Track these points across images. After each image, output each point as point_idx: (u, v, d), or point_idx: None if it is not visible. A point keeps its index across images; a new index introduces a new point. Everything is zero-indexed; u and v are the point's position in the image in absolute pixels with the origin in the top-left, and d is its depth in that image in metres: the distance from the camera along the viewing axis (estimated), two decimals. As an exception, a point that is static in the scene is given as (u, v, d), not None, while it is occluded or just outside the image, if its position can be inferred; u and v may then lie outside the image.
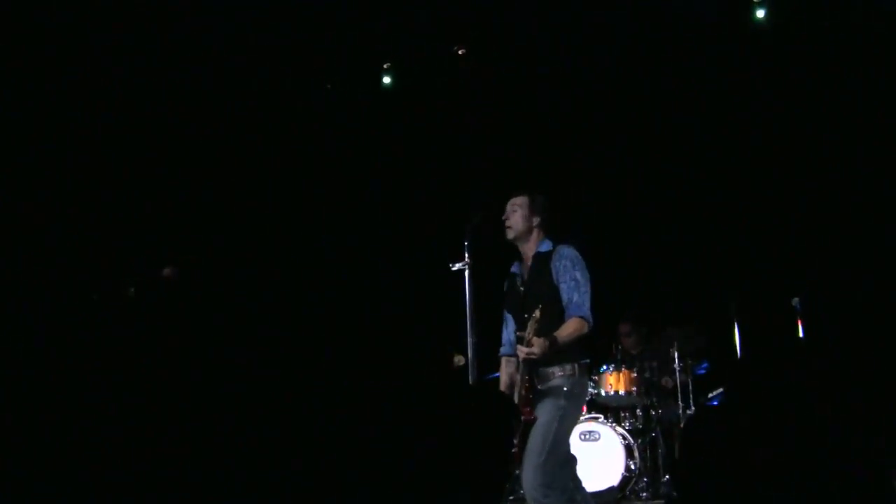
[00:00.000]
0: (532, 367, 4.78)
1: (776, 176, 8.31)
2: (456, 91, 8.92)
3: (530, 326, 4.68)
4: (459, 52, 8.94)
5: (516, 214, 5.09)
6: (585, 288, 4.87)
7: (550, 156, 8.93)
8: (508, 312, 5.12)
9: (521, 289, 5.04)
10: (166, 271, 6.22)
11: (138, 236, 8.08)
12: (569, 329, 4.76)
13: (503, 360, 5.19)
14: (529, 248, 5.12)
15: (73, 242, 7.79)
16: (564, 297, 4.87)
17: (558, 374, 4.78)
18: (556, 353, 4.75)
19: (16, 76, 7.74)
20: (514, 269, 5.16)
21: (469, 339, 4.78)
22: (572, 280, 4.88)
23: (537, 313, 4.65)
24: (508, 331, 5.20)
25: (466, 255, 4.97)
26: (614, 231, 8.87)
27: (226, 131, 8.74)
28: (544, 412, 4.76)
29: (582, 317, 4.78)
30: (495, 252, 5.59)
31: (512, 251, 5.15)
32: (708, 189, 8.56)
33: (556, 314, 4.85)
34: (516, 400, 4.83)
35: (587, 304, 4.82)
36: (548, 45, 8.61)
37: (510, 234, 5.07)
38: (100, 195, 8.09)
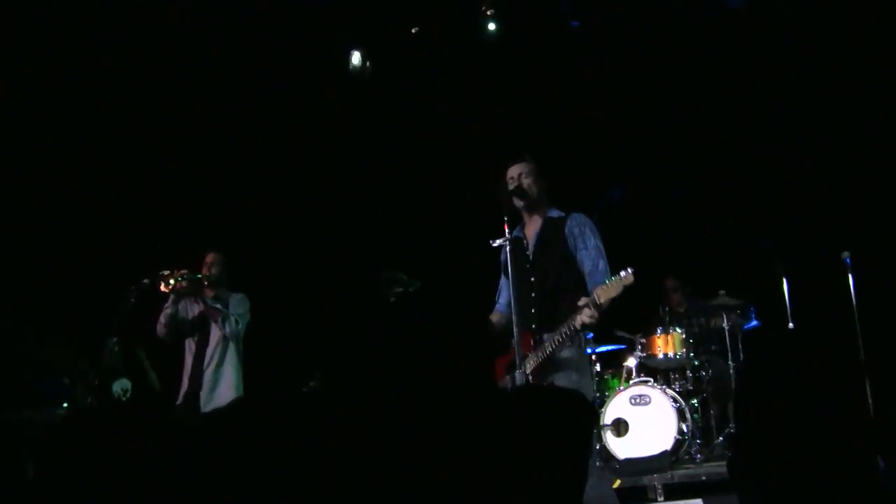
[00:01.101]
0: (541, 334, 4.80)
1: (829, 130, 8.10)
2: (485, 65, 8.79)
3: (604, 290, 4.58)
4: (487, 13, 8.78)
5: (528, 180, 5.05)
6: (604, 254, 4.85)
7: (595, 119, 8.79)
8: (508, 276, 4.96)
9: (529, 253, 4.99)
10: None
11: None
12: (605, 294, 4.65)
13: (493, 314, 5.23)
14: (539, 214, 5.09)
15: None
16: (588, 264, 4.84)
17: (572, 345, 4.76)
18: (560, 320, 4.73)
19: (15, 76, 7.72)
20: (517, 233, 5.05)
21: (514, 318, 4.67)
22: (594, 248, 4.87)
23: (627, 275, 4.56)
24: (500, 292, 5.24)
25: (507, 229, 4.85)
26: (659, 190, 8.75)
27: (248, 109, 8.67)
28: (564, 380, 4.73)
29: (609, 282, 4.66)
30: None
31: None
32: (759, 141, 8.38)
33: (569, 279, 4.86)
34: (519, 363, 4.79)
35: (608, 272, 4.75)
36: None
37: (523, 200, 5.02)
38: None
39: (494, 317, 5.23)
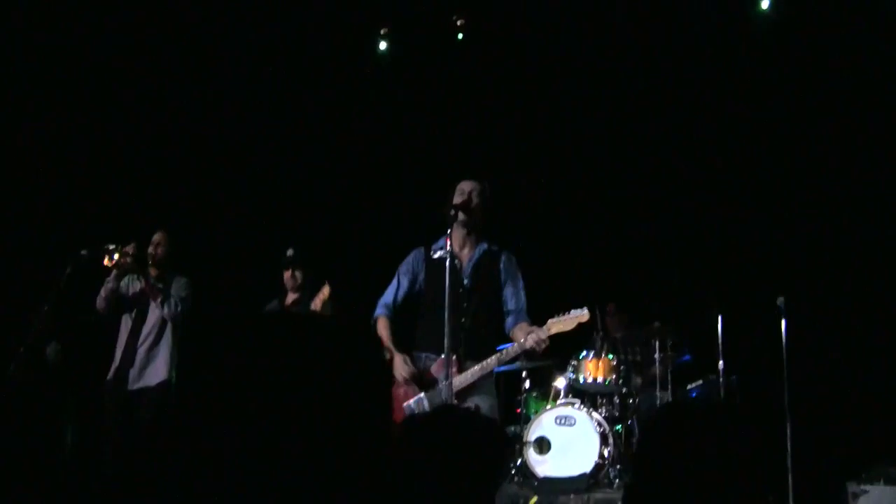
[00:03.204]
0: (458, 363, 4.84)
1: (769, 176, 8.27)
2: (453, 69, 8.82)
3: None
4: (458, 23, 8.82)
5: (478, 200, 5.06)
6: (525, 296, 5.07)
7: (543, 141, 8.86)
8: (409, 285, 5.15)
9: (464, 278, 5.02)
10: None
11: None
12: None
13: (384, 320, 5.17)
14: (475, 237, 5.14)
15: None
16: (513, 303, 5.04)
17: (489, 373, 4.87)
18: (483, 351, 4.87)
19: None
20: (441, 246, 4.97)
21: (446, 330, 4.69)
22: (522, 289, 5.07)
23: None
24: (397, 294, 5.20)
25: (449, 242, 4.86)
26: (601, 223, 8.87)
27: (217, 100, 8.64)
28: (486, 403, 4.84)
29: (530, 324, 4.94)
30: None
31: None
32: (703, 186, 8.52)
33: (496, 313, 5.03)
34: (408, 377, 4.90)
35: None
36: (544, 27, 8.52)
37: (466, 216, 4.99)
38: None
39: (387, 328, 5.16)
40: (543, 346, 4.81)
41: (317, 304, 6.14)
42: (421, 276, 5.18)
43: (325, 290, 6.12)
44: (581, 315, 4.82)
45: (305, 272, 6.77)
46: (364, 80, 8.89)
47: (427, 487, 2.14)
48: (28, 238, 7.73)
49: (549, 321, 4.81)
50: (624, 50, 8.48)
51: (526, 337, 4.78)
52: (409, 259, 5.23)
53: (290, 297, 6.79)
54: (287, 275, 6.78)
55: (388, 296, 5.22)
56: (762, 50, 8.19)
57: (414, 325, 5.14)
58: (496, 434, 2.33)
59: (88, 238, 6.46)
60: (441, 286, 4.75)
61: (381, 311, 5.20)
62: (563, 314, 4.82)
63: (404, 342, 5.07)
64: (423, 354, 5.01)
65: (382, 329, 5.13)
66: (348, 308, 6.18)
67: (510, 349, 4.87)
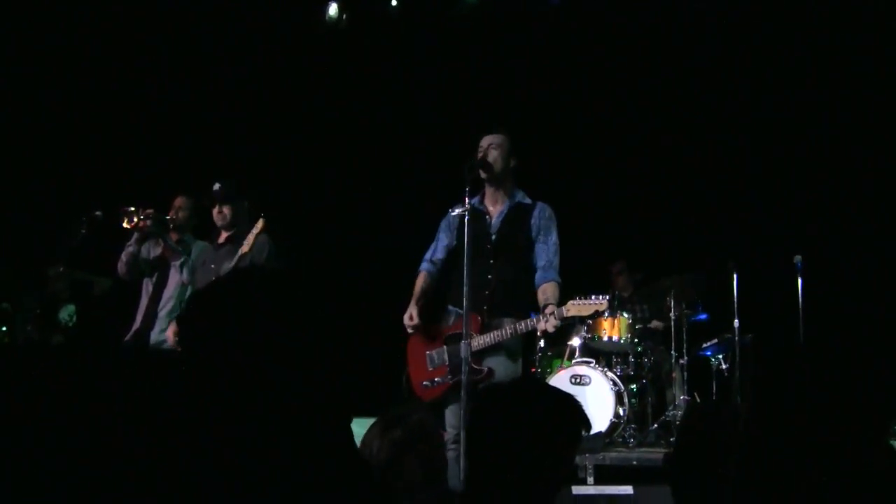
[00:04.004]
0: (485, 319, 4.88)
1: (787, 133, 8.19)
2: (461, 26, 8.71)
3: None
4: None
5: (496, 152, 5.01)
6: (559, 252, 4.98)
7: (555, 97, 8.77)
8: (457, 243, 5.08)
9: (492, 234, 5.02)
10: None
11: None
12: (556, 294, 4.86)
13: (423, 274, 5.23)
14: (504, 192, 5.10)
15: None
16: (543, 258, 4.96)
17: (509, 330, 4.82)
18: (513, 307, 4.87)
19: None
20: (475, 203, 5.01)
21: (465, 288, 4.66)
22: (554, 244, 4.98)
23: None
24: (437, 249, 5.24)
25: (467, 200, 4.82)
26: (617, 178, 8.79)
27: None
28: (505, 364, 4.85)
29: (559, 282, 4.91)
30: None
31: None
32: (720, 143, 8.44)
33: (526, 268, 4.98)
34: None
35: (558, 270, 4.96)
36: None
37: (489, 172, 4.97)
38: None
39: (422, 282, 5.21)
40: (555, 329, 4.88)
41: (249, 239, 5.68)
42: (455, 232, 5.17)
43: (259, 224, 5.65)
44: (599, 304, 4.84)
45: (236, 208, 6.05)
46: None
47: (507, 455, 2.17)
48: (45, 199, 7.70)
49: (570, 304, 4.82)
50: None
51: (546, 318, 4.77)
52: (448, 215, 5.22)
53: (222, 236, 6.15)
54: (215, 211, 6.09)
55: (429, 251, 5.28)
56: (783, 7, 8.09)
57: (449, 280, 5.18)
58: (573, 407, 2.32)
59: (105, 200, 6.41)
60: (477, 227, 4.84)
61: (422, 266, 5.27)
62: (584, 299, 4.82)
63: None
64: (454, 309, 5.03)
65: (417, 283, 5.20)
66: (287, 245, 5.98)
67: (526, 323, 4.82)
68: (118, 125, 8.25)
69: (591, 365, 7.49)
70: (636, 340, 7.71)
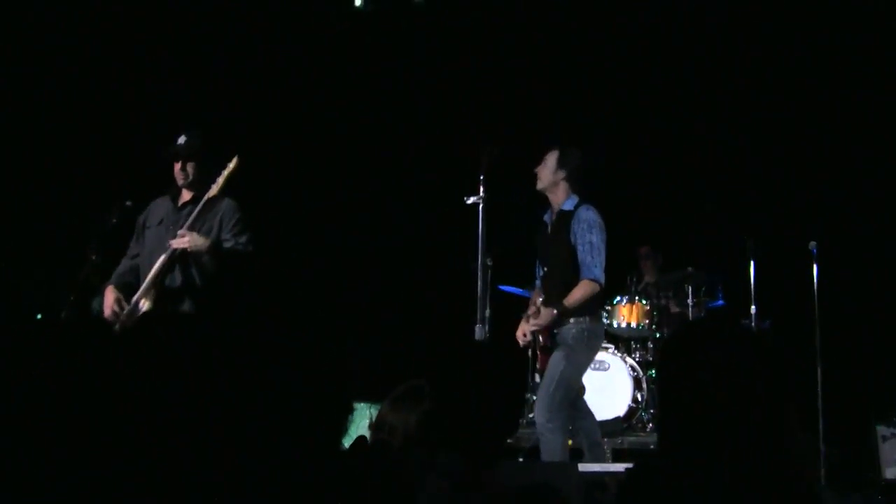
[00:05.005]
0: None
1: (803, 120, 8.20)
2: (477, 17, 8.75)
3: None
4: None
5: (544, 167, 5.46)
6: (599, 249, 5.29)
7: (574, 88, 8.82)
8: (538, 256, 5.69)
9: (547, 242, 5.56)
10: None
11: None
12: (578, 293, 5.22)
13: (537, 289, 5.73)
14: (556, 201, 5.51)
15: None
16: (580, 259, 5.30)
17: (572, 323, 5.26)
18: (557, 299, 5.28)
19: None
20: (545, 217, 5.59)
21: (479, 274, 4.81)
22: (588, 243, 5.28)
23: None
24: (539, 269, 5.75)
25: (481, 188, 4.97)
26: (639, 168, 8.82)
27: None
28: (557, 354, 5.24)
29: (592, 279, 5.24)
30: (510, 186, 5.67)
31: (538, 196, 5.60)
32: (737, 130, 8.46)
33: (570, 272, 5.32)
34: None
35: (599, 267, 5.27)
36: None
37: (538, 185, 5.49)
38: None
39: (537, 295, 5.71)
40: (536, 328, 5.38)
41: (219, 182, 5.14)
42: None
43: (233, 163, 5.13)
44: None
45: (201, 166, 5.29)
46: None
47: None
48: (77, 187, 7.84)
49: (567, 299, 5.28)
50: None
51: (541, 314, 5.31)
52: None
53: (185, 196, 5.42)
54: (177, 168, 5.31)
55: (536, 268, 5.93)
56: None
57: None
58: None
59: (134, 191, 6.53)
60: (541, 234, 5.64)
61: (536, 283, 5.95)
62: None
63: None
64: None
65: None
66: (254, 197, 5.47)
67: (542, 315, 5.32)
68: (147, 115, 8.37)
69: (610, 350, 7.62)
70: (654, 326, 7.80)
